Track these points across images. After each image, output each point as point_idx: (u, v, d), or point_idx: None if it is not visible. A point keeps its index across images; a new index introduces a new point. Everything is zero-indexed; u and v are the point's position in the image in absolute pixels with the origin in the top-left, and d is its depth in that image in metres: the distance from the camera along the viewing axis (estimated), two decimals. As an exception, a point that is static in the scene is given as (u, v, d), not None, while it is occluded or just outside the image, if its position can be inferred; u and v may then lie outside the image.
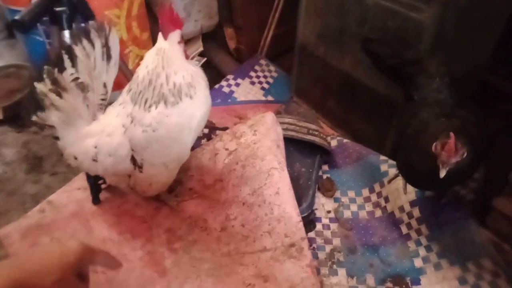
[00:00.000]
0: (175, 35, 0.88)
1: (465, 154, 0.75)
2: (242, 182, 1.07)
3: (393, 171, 1.12)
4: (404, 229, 1.05)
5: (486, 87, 1.31)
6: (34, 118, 0.81)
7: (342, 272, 1.01)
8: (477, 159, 0.80)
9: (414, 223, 1.03)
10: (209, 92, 0.95)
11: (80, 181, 1.13)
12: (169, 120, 0.87)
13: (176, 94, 0.87)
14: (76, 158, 0.90)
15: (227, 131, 1.20)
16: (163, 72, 0.86)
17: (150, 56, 0.88)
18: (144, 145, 0.89)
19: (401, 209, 1.06)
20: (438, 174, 0.75)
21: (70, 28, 1.11)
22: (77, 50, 0.81)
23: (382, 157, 1.18)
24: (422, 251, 1.00)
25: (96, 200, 1.07)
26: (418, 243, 1.01)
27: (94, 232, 1.00)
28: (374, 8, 1.11)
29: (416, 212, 1.03)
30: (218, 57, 1.76)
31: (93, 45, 0.82)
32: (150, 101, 0.87)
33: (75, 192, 1.12)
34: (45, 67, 0.79)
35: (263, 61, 1.66)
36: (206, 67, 1.73)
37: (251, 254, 0.97)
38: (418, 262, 0.99)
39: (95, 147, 0.88)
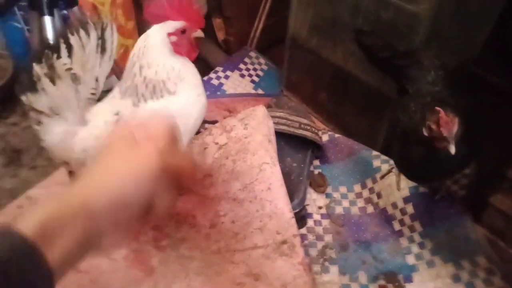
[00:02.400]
0: (169, 25, 0.83)
1: (459, 127, 0.71)
2: (233, 178, 1.04)
3: (385, 166, 1.10)
4: (396, 226, 1.03)
5: (476, 80, 1.30)
6: (23, 98, 0.78)
7: (334, 269, 0.98)
8: (472, 141, 0.77)
9: (407, 219, 1.01)
10: (202, 90, 0.91)
11: (61, 175, 1.08)
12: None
13: (151, 90, 0.83)
14: (55, 151, 0.85)
15: (217, 124, 1.16)
16: (137, 62, 0.83)
17: (137, 43, 0.84)
18: None
19: (394, 205, 1.04)
20: (436, 160, 0.72)
21: (51, 14, 1.05)
22: (73, 40, 0.77)
23: (375, 153, 1.16)
24: (415, 248, 0.98)
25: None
26: (411, 240, 1.00)
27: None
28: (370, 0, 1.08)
29: (409, 208, 1.01)
30: (206, 49, 1.71)
31: (89, 36, 0.78)
32: (131, 93, 0.83)
33: (55, 187, 1.07)
34: (46, 50, 0.76)
35: (253, 53, 1.62)
36: (194, 60, 1.67)
37: (241, 252, 0.94)
38: (410, 259, 0.97)
39: (85, 151, 0.83)
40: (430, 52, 0.97)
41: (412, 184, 1.02)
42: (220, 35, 1.70)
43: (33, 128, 0.84)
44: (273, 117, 1.18)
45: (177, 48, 0.86)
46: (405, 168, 0.94)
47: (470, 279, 0.89)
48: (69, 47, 0.77)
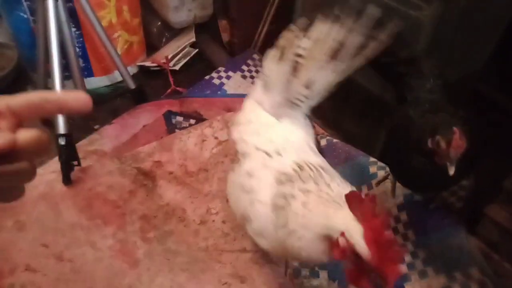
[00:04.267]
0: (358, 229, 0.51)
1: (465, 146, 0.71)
2: (229, 177, 1.03)
3: (382, 173, 1.09)
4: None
5: (478, 96, 1.29)
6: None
7: (323, 274, 0.96)
8: (471, 155, 0.76)
9: (401, 228, 0.99)
10: None
11: (55, 164, 1.07)
12: None
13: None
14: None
15: (218, 117, 1.15)
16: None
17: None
18: None
19: (388, 212, 1.02)
20: (432, 172, 0.71)
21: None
22: (318, 31, 0.68)
23: (372, 159, 1.14)
24: (408, 258, 0.96)
25: (66, 180, 1.01)
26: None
27: (63, 216, 0.94)
28: (374, 5, 1.07)
29: (403, 216, 0.99)
30: (210, 49, 1.71)
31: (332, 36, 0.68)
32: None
33: (48, 175, 1.06)
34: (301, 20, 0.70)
35: (256, 56, 1.62)
36: (197, 59, 1.68)
37: (230, 253, 0.93)
38: (403, 269, 0.95)
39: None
40: (431, 61, 0.96)
41: (407, 192, 1.00)
42: (225, 37, 1.70)
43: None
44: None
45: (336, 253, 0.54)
46: (400, 174, 0.92)
47: (462, 292, 0.87)
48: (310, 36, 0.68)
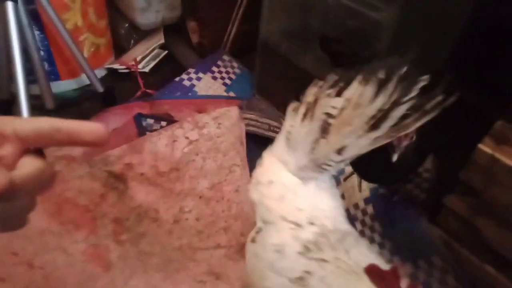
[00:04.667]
0: None
1: (414, 138, 0.74)
2: (201, 175, 1.04)
3: (349, 168, 1.13)
4: (358, 226, 1.05)
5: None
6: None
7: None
8: (424, 144, 0.81)
9: (367, 220, 1.04)
10: None
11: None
12: None
13: None
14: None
15: (189, 119, 1.16)
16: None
17: None
18: None
19: (356, 206, 1.06)
20: (388, 162, 0.74)
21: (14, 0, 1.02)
22: (352, 92, 0.58)
23: (340, 155, 1.18)
24: (375, 248, 1.00)
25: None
26: (372, 240, 1.02)
27: (32, 222, 0.92)
28: (336, 6, 1.11)
29: (370, 209, 1.03)
30: (180, 51, 1.71)
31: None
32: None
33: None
34: (335, 75, 0.61)
35: (226, 57, 1.63)
36: (167, 61, 1.67)
37: (204, 250, 0.94)
38: None
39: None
40: (392, 59, 1.01)
41: (372, 185, 1.04)
42: (194, 38, 1.70)
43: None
44: (243, 118, 1.19)
45: None
46: (355, 164, 0.96)
47: (426, 279, 0.92)
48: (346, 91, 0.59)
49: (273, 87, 1.50)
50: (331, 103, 0.59)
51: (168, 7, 1.65)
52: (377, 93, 0.57)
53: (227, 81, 1.57)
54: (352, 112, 0.58)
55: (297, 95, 0.68)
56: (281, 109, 1.49)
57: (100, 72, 1.55)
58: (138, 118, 1.28)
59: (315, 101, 0.61)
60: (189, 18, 1.70)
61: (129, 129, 1.23)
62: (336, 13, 1.13)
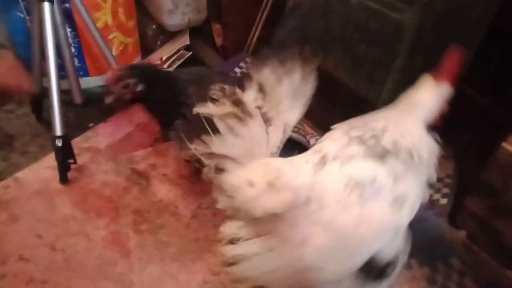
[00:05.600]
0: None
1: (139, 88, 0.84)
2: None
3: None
4: (375, 227, 1.04)
5: (460, 97, 1.33)
6: (192, 146, 0.61)
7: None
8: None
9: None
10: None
11: (50, 160, 1.10)
12: None
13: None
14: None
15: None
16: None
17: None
18: None
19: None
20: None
21: (50, 0, 1.07)
22: (264, 76, 0.64)
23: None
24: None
25: (63, 179, 1.03)
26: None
27: (57, 209, 0.97)
28: (357, 8, 1.12)
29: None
30: (204, 52, 1.75)
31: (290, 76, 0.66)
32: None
33: (43, 171, 1.08)
34: (225, 86, 0.62)
35: (248, 59, 1.66)
36: (191, 62, 1.71)
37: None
38: (388, 261, 0.97)
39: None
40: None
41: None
42: (218, 40, 1.74)
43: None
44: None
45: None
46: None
47: (444, 282, 0.90)
48: (260, 83, 0.64)
49: (293, 89, 1.51)
50: (253, 97, 0.66)
51: (194, 10, 1.70)
52: None
53: (249, 83, 1.59)
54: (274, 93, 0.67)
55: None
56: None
57: (127, 71, 1.60)
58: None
59: (236, 105, 0.62)
60: (214, 21, 1.73)
61: (153, 124, 1.26)
62: (357, 15, 1.13)
